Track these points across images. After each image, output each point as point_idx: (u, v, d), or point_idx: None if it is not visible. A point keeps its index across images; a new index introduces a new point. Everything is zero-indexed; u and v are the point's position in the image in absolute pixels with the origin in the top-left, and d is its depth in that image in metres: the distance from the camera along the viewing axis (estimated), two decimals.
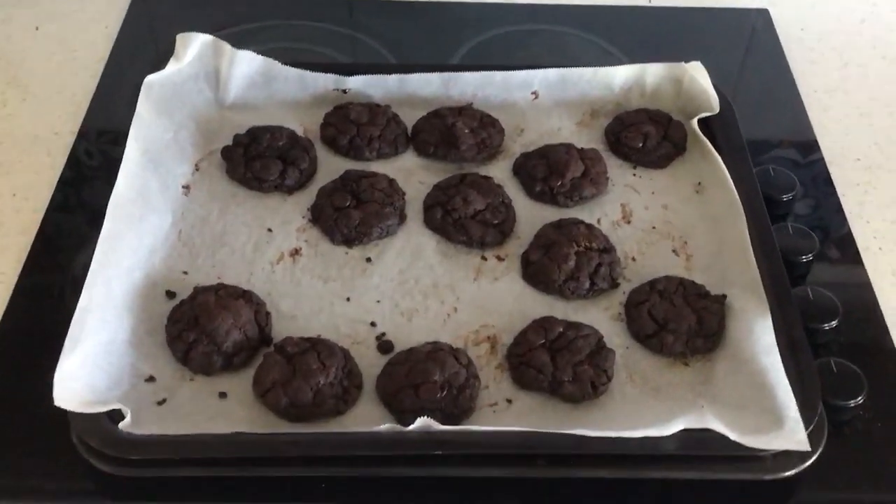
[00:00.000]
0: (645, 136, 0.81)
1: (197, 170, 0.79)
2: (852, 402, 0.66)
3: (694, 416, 0.61)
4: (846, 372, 0.68)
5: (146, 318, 0.68)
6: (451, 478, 0.62)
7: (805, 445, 0.60)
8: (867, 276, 0.76)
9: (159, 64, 0.92)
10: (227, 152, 0.79)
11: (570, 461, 0.61)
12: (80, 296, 0.65)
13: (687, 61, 0.84)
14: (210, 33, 0.83)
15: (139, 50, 0.96)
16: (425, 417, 0.60)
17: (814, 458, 0.61)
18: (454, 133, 0.80)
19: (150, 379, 0.65)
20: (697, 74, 0.84)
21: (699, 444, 0.61)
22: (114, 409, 0.61)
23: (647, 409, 0.64)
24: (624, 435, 0.60)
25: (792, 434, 0.61)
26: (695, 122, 0.81)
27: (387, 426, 0.61)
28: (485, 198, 0.76)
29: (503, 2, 1.03)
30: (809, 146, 0.88)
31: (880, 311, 0.74)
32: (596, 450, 0.60)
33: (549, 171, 0.78)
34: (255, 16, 1.00)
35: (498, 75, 0.84)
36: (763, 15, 1.02)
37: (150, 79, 0.80)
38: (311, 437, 0.61)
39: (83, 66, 0.93)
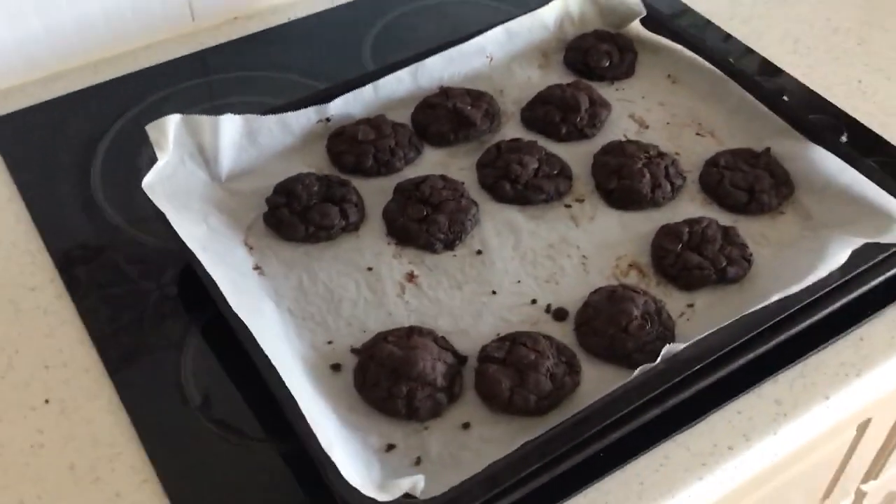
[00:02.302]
0: (607, 53, 0.87)
1: (251, 248, 0.73)
2: None
3: (844, 241, 0.70)
4: (886, 164, 0.80)
5: (334, 398, 0.64)
6: (705, 387, 0.65)
7: None
8: (821, 96, 0.90)
9: (80, 174, 0.84)
10: (271, 218, 0.74)
11: (786, 323, 0.67)
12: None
13: None
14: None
15: (42, 171, 0.84)
16: (667, 345, 0.63)
17: None
18: (462, 113, 0.80)
19: (390, 447, 0.62)
20: None
21: (855, 262, 0.70)
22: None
23: (792, 259, 0.71)
24: (812, 280, 0.67)
25: None
26: (636, 25, 0.89)
27: (640, 369, 0.62)
28: (532, 156, 0.78)
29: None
30: (700, 20, 0.99)
31: (849, 115, 0.87)
32: (800, 302, 0.67)
33: (564, 111, 0.82)
34: (126, 100, 0.91)
35: (455, 51, 0.86)
36: None
37: (148, 180, 0.72)
38: (590, 411, 0.61)
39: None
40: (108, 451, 0.65)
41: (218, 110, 0.79)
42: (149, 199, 0.71)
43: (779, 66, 0.93)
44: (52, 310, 0.73)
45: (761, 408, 0.67)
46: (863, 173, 0.75)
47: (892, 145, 0.85)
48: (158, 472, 0.63)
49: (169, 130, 0.74)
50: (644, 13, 0.90)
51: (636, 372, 0.62)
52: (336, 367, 0.66)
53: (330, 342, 0.67)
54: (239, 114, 0.79)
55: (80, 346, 0.71)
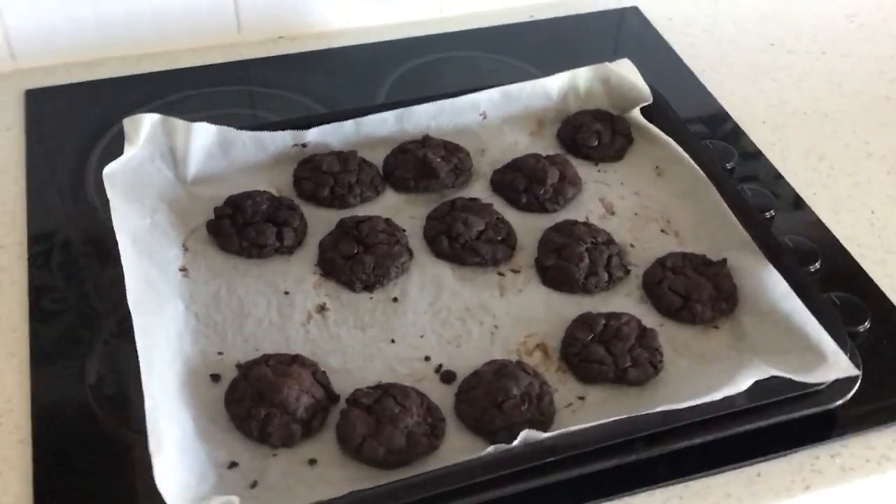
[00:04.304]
0: (598, 133, 0.87)
1: (186, 250, 0.76)
2: (861, 327, 0.75)
3: (755, 369, 0.67)
4: (848, 302, 0.76)
5: (202, 406, 0.66)
6: (560, 482, 0.63)
7: (853, 370, 0.67)
8: (819, 219, 0.86)
9: (83, 155, 0.89)
10: (213, 227, 0.77)
11: (664, 437, 0.64)
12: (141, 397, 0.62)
13: (611, 61, 0.91)
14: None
15: (55, 145, 0.90)
16: (527, 430, 0.62)
17: (860, 380, 0.68)
18: (429, 164, 0.82)
19: (233, 465, 0.63)
20: (624, 71, 0.90)
21: (764, 393, 0.66)
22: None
23: (704, 375, 0.69)
24: (705, 400, 0.65)
25: (837, 363, 0.67)
26: (636, 112, 0.88)
27: (494, 447, 0.62)
28: (482, 218, 0.78)
29: (394, 39, 1.06)
30: (724, 118, 0.97)
31: (842, 245, 0.83)
32: (685, 420, 0.64)
33: (529, 181, 0.82)
34: (156, 92, 0.98)
35: (447, 103, 0.87)
36: (635, 12, 1.11)
37: (109, 169, 0.77)
38: (429, 476, 0.61)
39: (2, 174, 0.87)
40: (3, 406, 0.69)
41: (228, 119, 0.84)
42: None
43: (788, 179, 0.90)
44: (8, 268, 0.79)
45: None
46: (813, 305, 0.71)
47: (874, 283, 0.80)
48: (35, 436, 0.67)
49: (143, 127, 0.79)
50: (650, 100, 0.89)
51: (489, 448, 0.62)
52: (216, 378, 0.68)
53: (220, 353, 0.70)
54: (240, 126, 0.83)
55: (18, 306, 0.76)
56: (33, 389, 0.69)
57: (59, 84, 0.98)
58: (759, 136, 0.95)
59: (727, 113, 0.97)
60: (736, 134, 0.95)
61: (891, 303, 0.78)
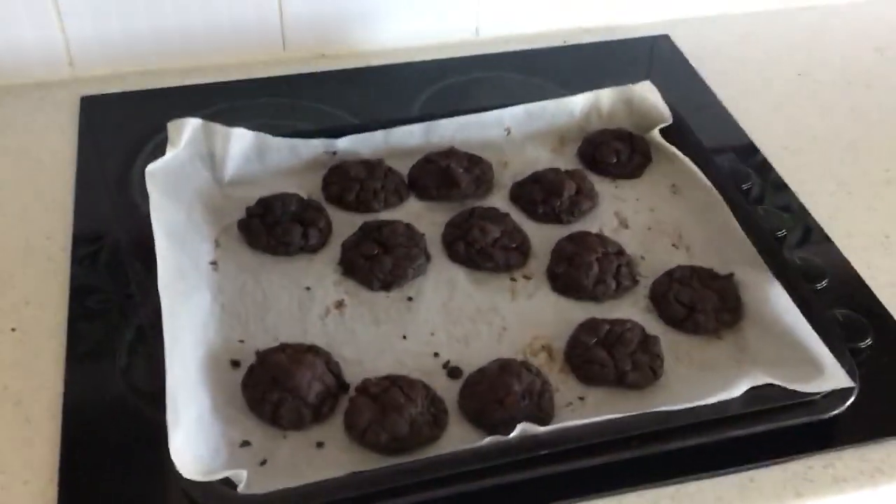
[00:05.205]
0: (616, 151, 0.90)
1: (218, 245, 0.81)
2: (863, 343, 0.76)
3: (752, 377, 0.69)
4: (851, 319, 0.77)
5: (220, 389, 0.70)
6: (554, 476, 0.66)
7: (849, 382, 0.69)
8: (831, 240, 0.87)
9: (129, 158, 0.95)
10: (244, 225, 0.82)
11: (660, 437, 0.67)
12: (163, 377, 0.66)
13: (634, 83, 0.94)
14: None
15: (105, 148, 0.96)
16: (523, 423, 0.65)
17: (855, 394, 0.70)
18: (451, 174, 0.86)
19: (245, 444, 0.67)
20: (646, 93, 0.93)
21: (759, 400, 0.68)
22: (222, 479, 0.62)
23: (703, 382, 0.71)
24: (700, 403, 0.67)
25: (833, 375, 0.69)
26: (656, 132, 0.91)
27: (491, 438, 0.65)
28: (498, 226, 0.82)
29: (430, 59, 1.11)
30: (745, 142, 0.99)
31: (852, 266, 0.85)
32: (679, 422, 0.67)
33: (547, 193, 0.85)
34: (204, 102, 1.03)
35: (472, 118, 0.91)
36: (666, 40, 1.15)
37: (151, 167, 0.82)
38: (426, 462, 0.64)
39: (55, 172, 0.93)
40: (38, 382, 0.74)
41: (270, 129, 0.88)
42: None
43: (804, 202, 0.91)
44: (54, 257, 0.84)
45: None
46: (815, 320, 0.73)
47: (880, 303, 0.81)
48: (65, 413, 0.71)
49: (186, 130, 0.84)
50: (670, 121, 0.92)
51: (486, 440, 0.65)
52: (235, 364, 0.72)
53: (242, 341, 0.74)
54: (276, 133, 0.88)
55: (60, 291, 0.81)
56: (67, 369, 0.74)
57: (113, 92, 1.04)
58: (780, 160, 0.97)
59: (749, 137, 1.00)
60: (756, 157, 0.97)
61: (894, 321, 0.79)
